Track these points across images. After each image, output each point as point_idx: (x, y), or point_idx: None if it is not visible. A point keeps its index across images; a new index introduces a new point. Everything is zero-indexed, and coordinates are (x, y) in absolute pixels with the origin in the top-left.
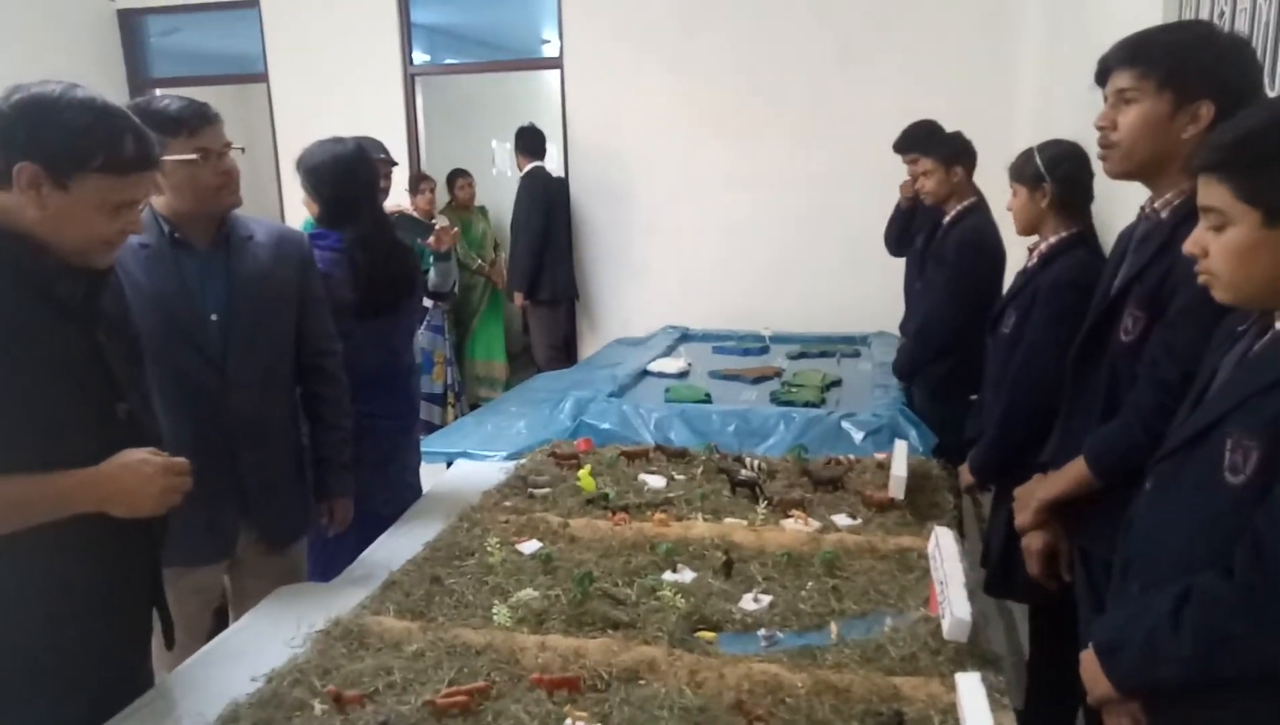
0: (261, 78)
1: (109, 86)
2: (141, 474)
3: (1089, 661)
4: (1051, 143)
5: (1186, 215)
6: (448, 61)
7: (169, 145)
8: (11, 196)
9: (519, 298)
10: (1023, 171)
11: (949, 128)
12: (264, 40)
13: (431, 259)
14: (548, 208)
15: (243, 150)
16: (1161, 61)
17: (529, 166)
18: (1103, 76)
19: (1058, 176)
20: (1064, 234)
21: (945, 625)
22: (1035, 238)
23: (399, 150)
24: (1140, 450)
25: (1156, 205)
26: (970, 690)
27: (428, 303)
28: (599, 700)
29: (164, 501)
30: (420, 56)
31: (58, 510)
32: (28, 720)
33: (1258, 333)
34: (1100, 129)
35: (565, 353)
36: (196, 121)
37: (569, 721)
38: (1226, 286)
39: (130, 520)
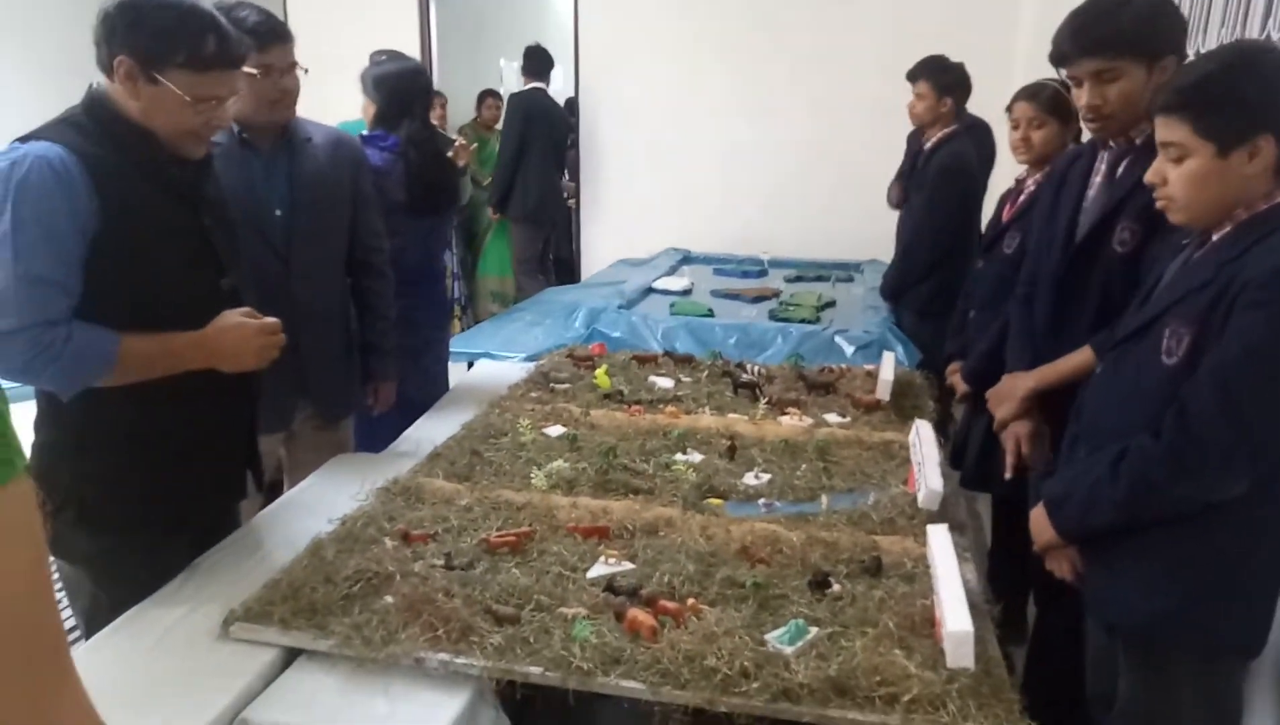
0: None
1: None
2: (240, 335)
3: (1038, 515)
4: (1064, 82)
5: None
6: None
7: None
8: (119, 89)
9: (491, 211)
10: (1057, 106)
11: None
12: None
13: None
14: (524, 130)
15: (305, 71)
16: (1126, 41)
17: (522, 88)
18: (1062, 61)
19: (1077, 114)
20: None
21: (920, 496)
22: (1022, 169)
23: None
24: None
25: (1132, 133)
26: (939, 537)
27: None
28: (626, 545)
29: (263, 357)
30: None
31: (173, 366)
32: (139, 550)
33: (1198, 245)
34: (1091, 107)
35: (542, 270)
36: (269, 38)
37: (603, 558)
38: (1183, 208)
39: (232, 380)
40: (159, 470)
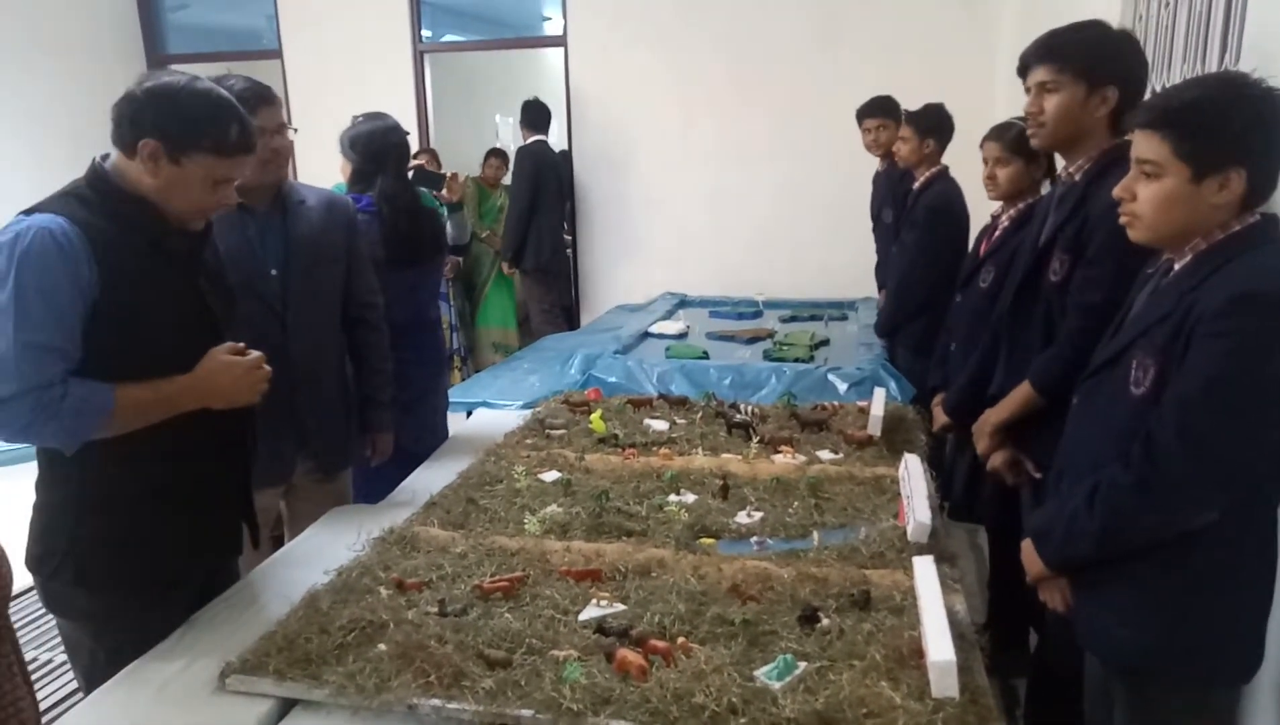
0: (275, 54)
1: (127, 63)
2: (232, 374)
3: (1027, 547)
4: None
5: (1094, 177)
6: (448, 38)
7: None
8: (133, 166)
9: (505, 266)
10: (1022, 145)
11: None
12: (278, 17)
13: (446, 211)
14: (535, 183)
15: (295, 130)
16: (1076, 57)
17: (527, 141)
18: (1023, 71)
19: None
20: (1031, 200)
21: (909, 529)
22: (997, 204)
23: (408, 125)
24: (1074, 367)
25: (1071, 170)
26: (924, 569)
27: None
28: (618, 587)
29: (255, 392)
30: (423, 33)
31: (169, 410)
32: (137, 607)
33: (1163, 274)
34: (1030, 114)
35: (563, 318)
36: (255, 102)
37: (594, 600)
38: (1147, 227)
39: (227, 437)
40: (156, 528)
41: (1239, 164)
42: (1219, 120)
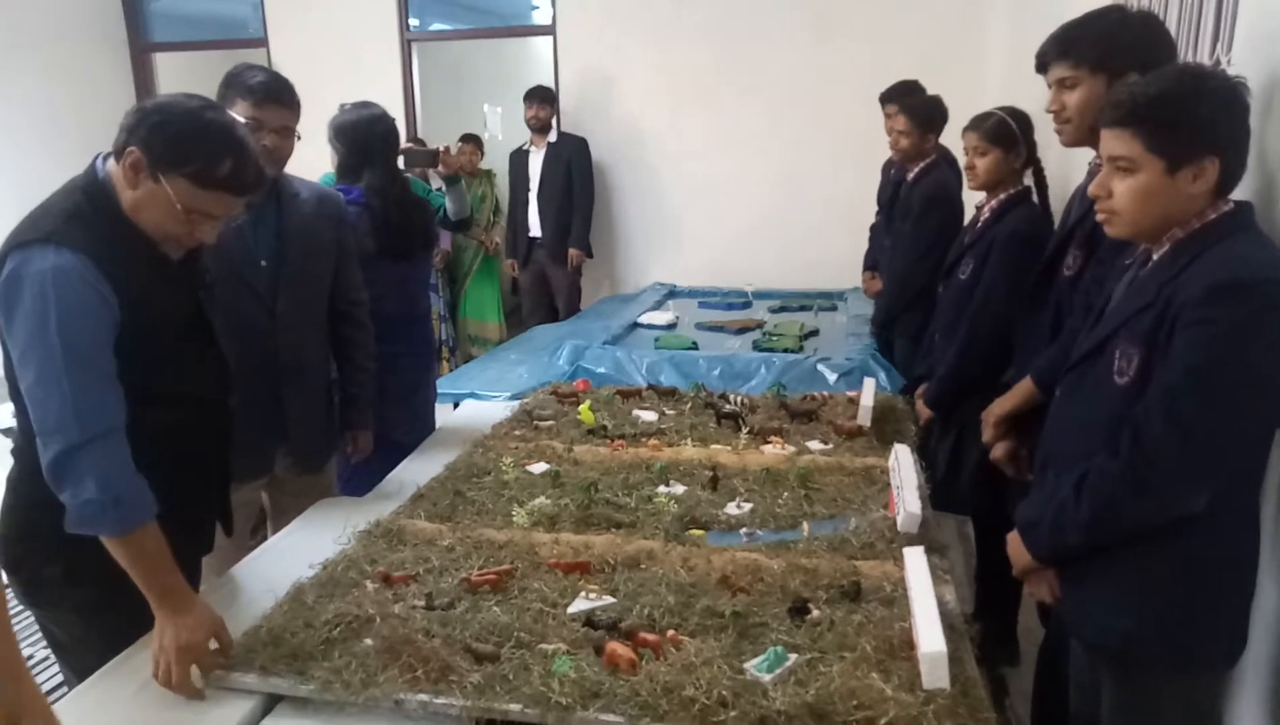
0: (261, 43)
1: (110, 52)
2: (189, 641)
3: (1014, 539)
4: (1015, 111)
5: None
6: (435, 26)
7: (236, 104)
8: (117, 174)
9: (579, 256)
10: (999, 135)
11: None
12: (264, 4)
13: (444, 187)
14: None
15: (299, 137)
16: (1091, 51)
17: (558, 126)
18: (1042, 67)
19: (1030, 141)
20: (1012, 191)
21: (899, 520)
22: (981, 194)
23: (395, 115)
24: None
25: (1097, 161)
26: (915, 560)
27: (445, 244)
28: (607, 579)
29: (162, 663)
30: (411, 21)
31: (145, 581)
32: (124, 600)
33: (1141, 264)
34: (1053, 112)
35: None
36: (263, 94)
37: (583, 593)
38: (1126, 223)
39: (210, 437)
40: None
41: (1212, 152)
42: (1188, 111)
